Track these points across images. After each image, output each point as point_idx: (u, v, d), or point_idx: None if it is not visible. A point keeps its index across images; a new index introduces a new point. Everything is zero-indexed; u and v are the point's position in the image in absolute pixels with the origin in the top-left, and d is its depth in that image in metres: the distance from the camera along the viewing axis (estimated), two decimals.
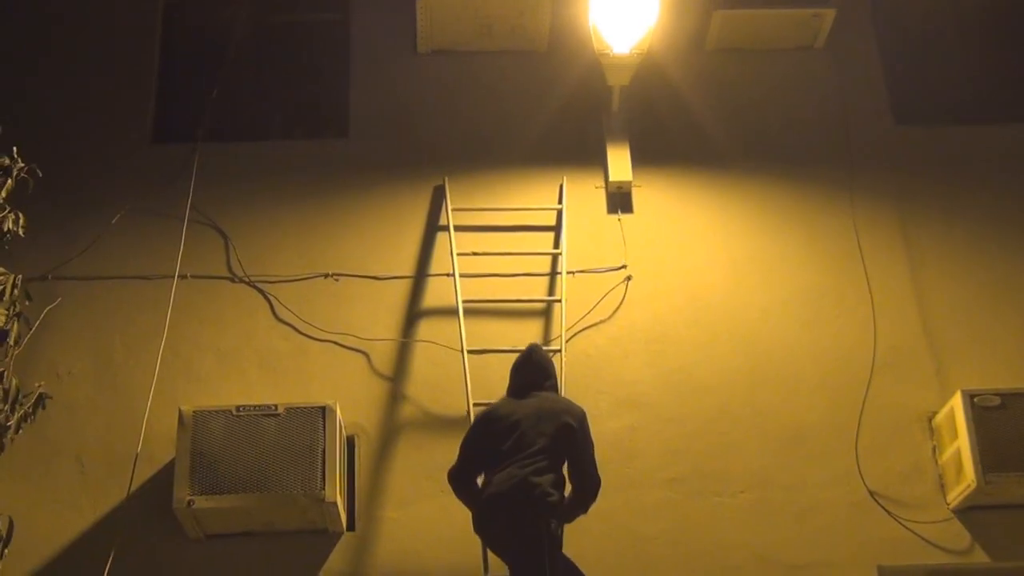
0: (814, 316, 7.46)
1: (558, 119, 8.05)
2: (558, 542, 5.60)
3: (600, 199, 7.82)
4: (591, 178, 7.86)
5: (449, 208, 7.62)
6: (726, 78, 8.26)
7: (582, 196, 7.80)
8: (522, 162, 7.90)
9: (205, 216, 7.65)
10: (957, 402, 6.85)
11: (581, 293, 7.42)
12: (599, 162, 7.88)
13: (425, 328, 7.37)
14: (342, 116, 8.15)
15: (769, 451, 7.04)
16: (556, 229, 7.67)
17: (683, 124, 8.07)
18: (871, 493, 6.95)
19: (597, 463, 5.88)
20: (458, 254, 7.39)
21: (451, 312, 7.25)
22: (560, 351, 7.01)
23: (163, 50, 8.42)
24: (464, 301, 7.20)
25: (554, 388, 6.09)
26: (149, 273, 7.45)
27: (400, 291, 7.49)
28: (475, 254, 7.49)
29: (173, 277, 7.34)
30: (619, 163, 7.81)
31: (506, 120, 8.06)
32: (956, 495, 6.89)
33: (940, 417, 7.09)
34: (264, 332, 7.34)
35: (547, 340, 7.24)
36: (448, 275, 7.40)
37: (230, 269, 7.54)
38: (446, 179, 7.77)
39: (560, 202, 7.73)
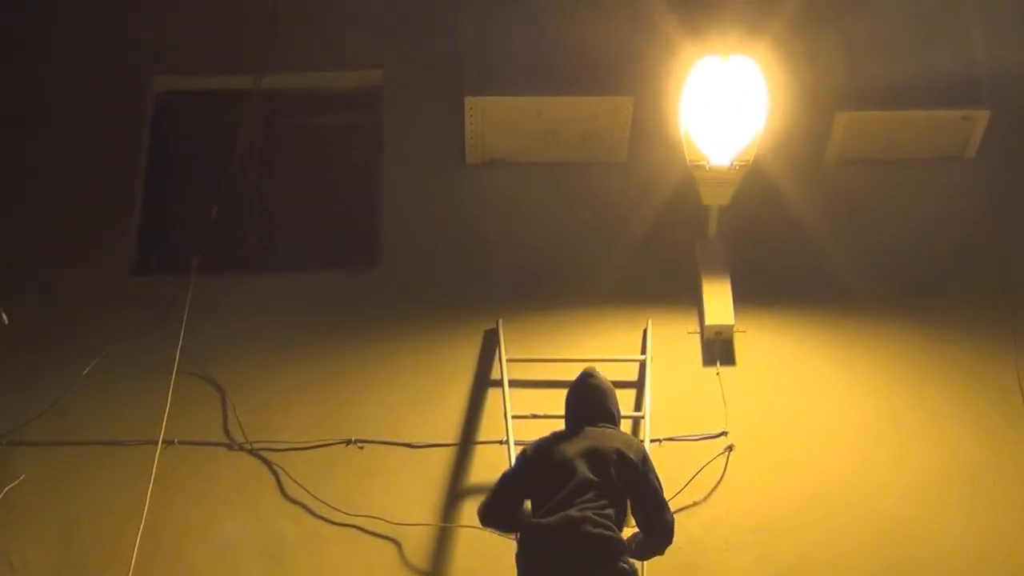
0: (968, 498, 6.83)
1: (641, 247, 7.51)
2: None
3: (694, 348, 7.24)
4: (682, 321, 7.31)
5: (503, 358, 7.08)
6: (851, 196, 7.68)
7: (671, 344, 7.24)
8: (595, 301, 7.35)
9: (198, 366, 7.14)
10: None
11: (670, 467, 6.64)
12: (692, 301, 7.32)
13: (471, 510, 6.63)
14: (371, 241, 7.68)
15: None
16: (638, 386, 7.07)
17: (797, 253, 7.50)
18: None
19: (668, 504, 5.86)
20: (513, 417, 6.79)
21: None
22: None
23: (151, 162, 7.99)
24: None
25: (613, 420, 6.00)
26: (126, 438, 6.93)
27: (440, 462, 6.97)
28: (535, 416, 6.79)
29: (156, 443, 6.86)
30: (718, 302, 7.26)
31: (575, 248, 7.52)
32: None
33: None
34: (269, 513, 6.81)
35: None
36: (501, 442, 6.82)
37: (227, 433, 7.01)
38: (499, 322, 7.22)
39: (643, 352, 7.17)
